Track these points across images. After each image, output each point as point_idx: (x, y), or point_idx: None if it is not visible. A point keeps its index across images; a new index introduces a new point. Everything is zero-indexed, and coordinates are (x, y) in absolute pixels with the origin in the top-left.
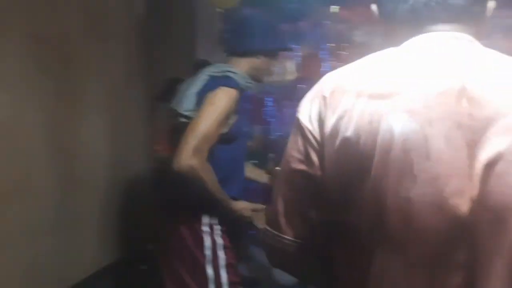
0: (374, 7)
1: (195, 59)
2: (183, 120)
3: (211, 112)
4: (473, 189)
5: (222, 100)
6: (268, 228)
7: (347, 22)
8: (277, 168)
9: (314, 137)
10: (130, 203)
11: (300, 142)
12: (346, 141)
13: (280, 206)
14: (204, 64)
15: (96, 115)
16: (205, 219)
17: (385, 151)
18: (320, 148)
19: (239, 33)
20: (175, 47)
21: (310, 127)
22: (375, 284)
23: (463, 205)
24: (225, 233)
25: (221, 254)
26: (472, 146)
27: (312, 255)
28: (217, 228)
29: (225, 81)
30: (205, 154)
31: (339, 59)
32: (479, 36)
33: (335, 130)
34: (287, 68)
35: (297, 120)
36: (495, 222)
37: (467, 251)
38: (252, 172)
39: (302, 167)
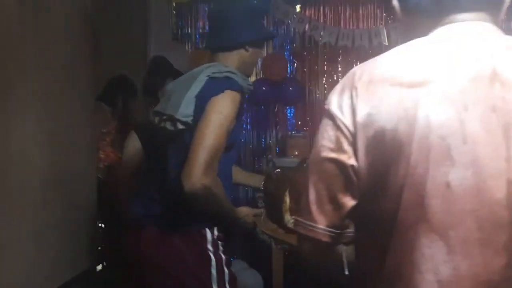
0: (395, 2)
1: (150, 56)
2: (181, 126)
3: (220, 122)
4: (510, 171)
5: (229, 106)
6: (300, 219)
7: (312, 21)
8: (277, 170)
9: (346, 126)
10: (72, 216)
11: (331, 132)
12: (381, 129)
13: (312, 195)
14: (162, 61)
15: (31, 117)
16: (209, 236)
17: (423, 137)
18: (353, 137)
19: (225, 27)
20: (125, 42)
21: (341, 117)
22: (416, 270)
23: (500, 187)
24: (226, 246)
25: (226, 270)
26: (508, 128)
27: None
28: (221, 244)
29: (228, 83)
30: (216, 169)
31: (303, 60)
32: (498, 23)
33: (369, 119)
34: None
35: (328, 111)
36: None
37: (508, 232)
38: (239, 175)
39: (333, 155)
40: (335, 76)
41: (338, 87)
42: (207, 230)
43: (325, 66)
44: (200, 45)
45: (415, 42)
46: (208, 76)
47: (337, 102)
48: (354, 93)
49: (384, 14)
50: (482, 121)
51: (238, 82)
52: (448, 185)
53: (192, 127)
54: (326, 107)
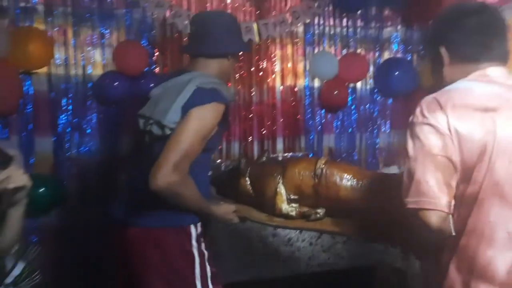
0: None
1: None
2: (168, 132)
3: (198, 128)
4: None
5: (211, 116)
6: (424, 198)
7: (174, 7)
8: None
9: (448, 134)
10: None
11: (435, 136)
12: (471, 138)
13: (432, 181)
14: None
15: None
16: (193, 232)
17: (499, 144)
18: (452, 141)
19: (213, 35)
20: None
21: (442, 129)
22: (492, 227)
23: None
24: (207, 242)
25: (209, 266)
26: None
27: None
28: (202, 240)
29: (214, 95)
30: (187, 168)
31: (164, 49)
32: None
33: (462, 131)
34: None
35: (430, 125)
36: None
37: None
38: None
39: (443, 153)
40: None
41: (426, 110)
42: (191, 226)
43: None
44: (21, 22)
45: (470, 82)
46: (196, 86)
47: (435, 119)
48: (446, 113)
49: (256, 10)
50: None
51: (223, 94)
52: None
53: None
54: (426, 121)
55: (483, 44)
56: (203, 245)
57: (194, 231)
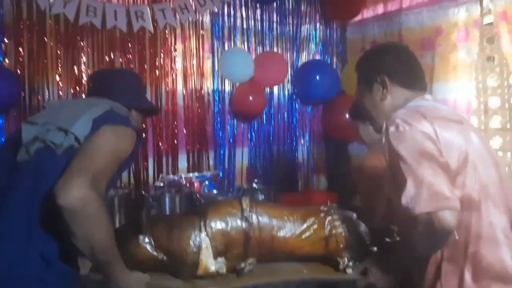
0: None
1: None
2: (73, 142)
3: (115, 147)
4: (499, 166)
5: (126, 140)
6: (438, 200)
7: None
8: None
9: (437, 141)
10: None
11: (431, 143)
12: (455, 146)
13: (443, 182)
14: None
15: None
16: None
17: (474, 149)
18: (442, 147)
19: (111, 91)
20: None
21: (433, 135)
22: (486, 228)
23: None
24: None
25: None
26: (488, 146)
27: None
28: None
29: (128, 122)
30: (103, 191)
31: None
32: None
33: (447, 139)
34: None
35: (422, 132)
36: None
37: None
38: None
39: (442, 157)
40: (75, 68)
41: (409, 118)
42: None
43: (59, 51)
44: None
45: (425, 101)
46: (110, 106)
47: (423, 126)
48: (431, 122)
49: None
50: (482, 140)
51: (134, 126)
52: (492, 175)
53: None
54: (418, 130)
55: (418, 75)
56: None
57: None
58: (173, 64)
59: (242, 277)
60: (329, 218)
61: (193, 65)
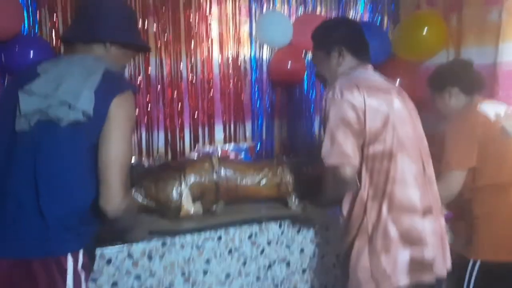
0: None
1: None
2: (81, 118)
3: (130, 132)
4: (416, 124)
5: (133, 112)
6: (342, 157)
7: None
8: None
9: (362, 109)
10: None
11: (352, 112)
12: (379, 110)
13: (349, 145)
14: None
15: None
16: (70, 265)
17: (397, 113)
18: (365, 113)
19: (90, 18)
20: None
21: (358, 105)
22: (399, 173)
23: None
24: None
25: None
26: (414, 116)
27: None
28: (85, 274)
29: (125, 82)
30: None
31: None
32: None
33: (373, 105)
34: None
35: (347, 100)
36: None
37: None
38: None
39: (357, 124)
40: None
41: (345, 88)
42: (69, 256)
43: None
44: None
45: (364, 71)
46: (105, 67)
47: (353, 97)
48: (362, 92)
49: None
50: (408, 109)
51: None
52: (408, 132)
53: (90, 124)
54: (344, 97)
55: (365, 46)
56: (83, 282)
57: (71, 263)
58: (208, 31)
59: (215, 216)
60: (279, 168)
61: (229, 31)
